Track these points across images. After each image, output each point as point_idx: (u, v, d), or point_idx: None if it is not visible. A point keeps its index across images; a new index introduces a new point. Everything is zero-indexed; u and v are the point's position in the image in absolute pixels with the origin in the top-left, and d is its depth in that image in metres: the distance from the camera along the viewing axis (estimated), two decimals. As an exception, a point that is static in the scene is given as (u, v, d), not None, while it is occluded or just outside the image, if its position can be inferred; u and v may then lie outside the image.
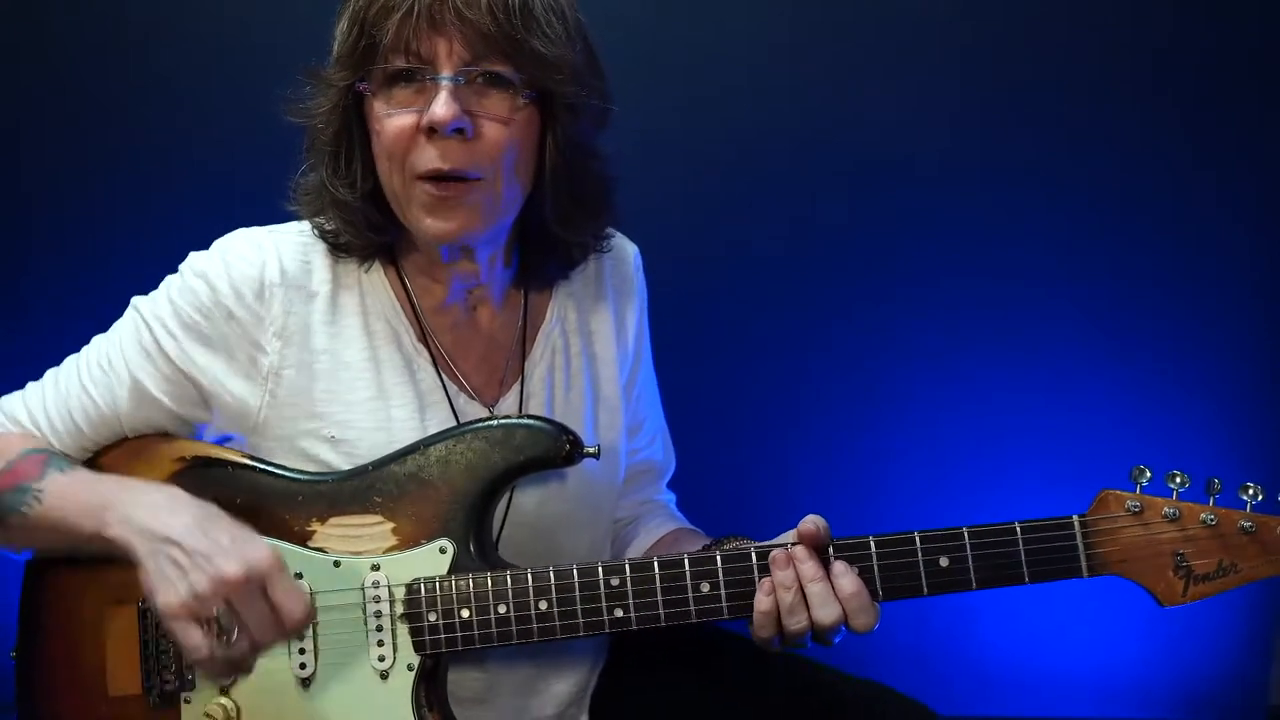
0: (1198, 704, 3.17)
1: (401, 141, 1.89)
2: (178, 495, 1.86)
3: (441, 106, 1.84)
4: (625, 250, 2.29)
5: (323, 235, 2.03)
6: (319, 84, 1.98)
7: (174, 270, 2.03)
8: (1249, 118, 3.00)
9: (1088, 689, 3.18)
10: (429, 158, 1.88)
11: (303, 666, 1.91)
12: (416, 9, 1.84)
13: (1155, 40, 2.98)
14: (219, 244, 2.01)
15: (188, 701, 1.95)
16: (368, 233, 2.00)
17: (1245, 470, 2.93)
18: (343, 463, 1.99)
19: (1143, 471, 1.81)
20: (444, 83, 1.85)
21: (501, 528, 2.05)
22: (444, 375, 2.06)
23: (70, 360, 2.08)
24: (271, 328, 1.97)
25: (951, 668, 3.16)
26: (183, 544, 1.76)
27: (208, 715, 1.93)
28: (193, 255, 2.01)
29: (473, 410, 2.07)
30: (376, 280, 2.06)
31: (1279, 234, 3.05)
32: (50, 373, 2.09)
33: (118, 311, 2.06)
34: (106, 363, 2.01)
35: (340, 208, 1.99)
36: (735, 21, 3.01)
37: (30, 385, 2.09)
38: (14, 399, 2.07)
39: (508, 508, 2.06)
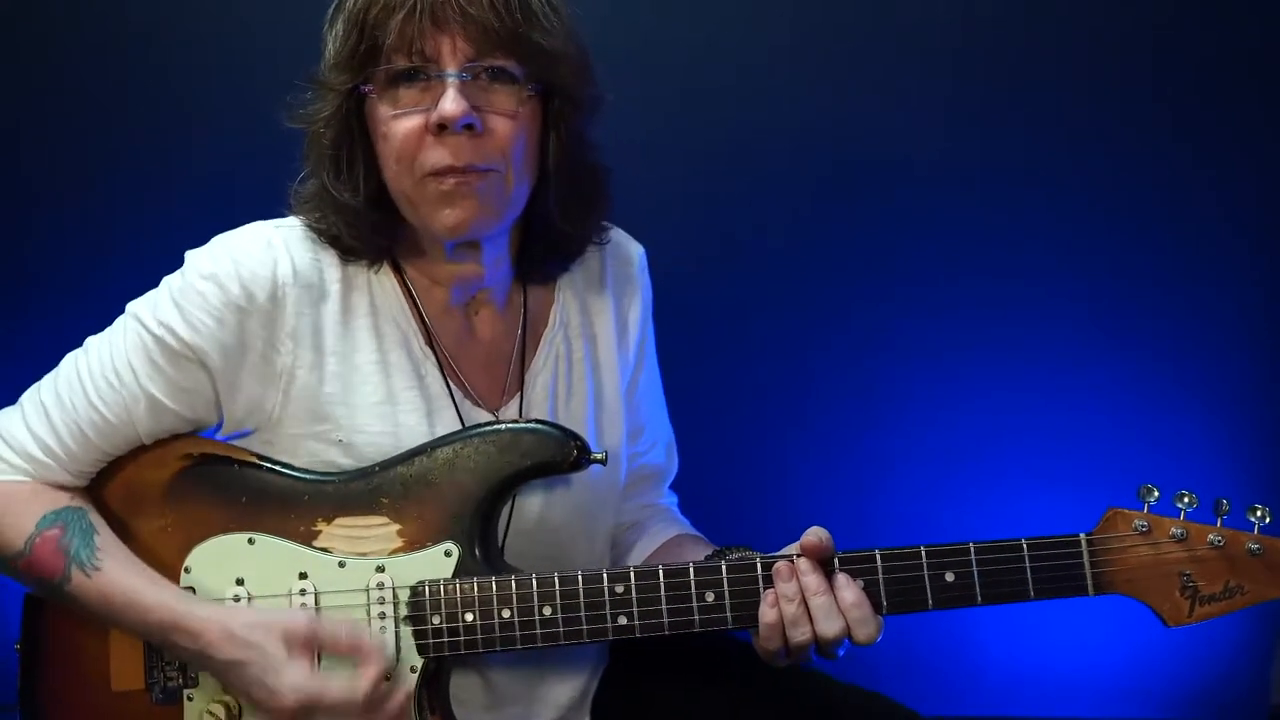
0: (1198, 704, 3.17)
1: (410, 142, 1.88)
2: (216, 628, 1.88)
3: (450, 103, 1.83)
4: (630, 251, 2.28)
5: (327, 239, 2.01)
6: (318, 89, 1.96)
7: (173, 269, 1.99)
8: (1250, 117, 3.00)
9: (1087, 689, 3.18)
10: (439, 156, 1.87)
11: (306, 666, 1.93)
12: (419, 7, 1.83)
13: (1155, 40, 2.97)
14: (224, 243, 1.97)
15: (190, 699, 1.95)
16: (371, 236, 1.99)
17: (1247, 472, 2.95)
18: (350, 466, 1.99)
19: (1150, 490, 1.82)
20: (450, 79, 1.85)
21: (506, 533, 2.05)
22: (450, 381, 2.05)
23: (68, 368, 2.01)
24: (285, 328, 1.94)
25: (948, 667, 3.17)
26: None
27: (210, 713, 1.93)
28: (194, 256, 1.96)
29: (479, 416, 2.06)
30: (385, 282, 2.04)
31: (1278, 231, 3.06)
32: (48, 383, 2.02)
33: (118, 311, 2.02)
34: (115, 377, 1.96)
35: (344, 212, 1.97)
36: (735, 21, 2.99)
37: (26, 402, 2.02)
38: (14, 422, 2.00)
39: (510, 513, 2.05)
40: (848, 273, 3.09)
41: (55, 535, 1.93)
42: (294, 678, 1.82)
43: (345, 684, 1.84)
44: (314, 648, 1.86)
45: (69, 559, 1.91)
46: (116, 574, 1.92)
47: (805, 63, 3.00)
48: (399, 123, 1.88)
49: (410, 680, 1.92)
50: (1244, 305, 3.05)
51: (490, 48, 1.86)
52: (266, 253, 1.95)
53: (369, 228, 1.98)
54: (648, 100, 2.81)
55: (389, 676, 1.90)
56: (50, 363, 2.05)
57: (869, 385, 3.11)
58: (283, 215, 2.04)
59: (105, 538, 1.95)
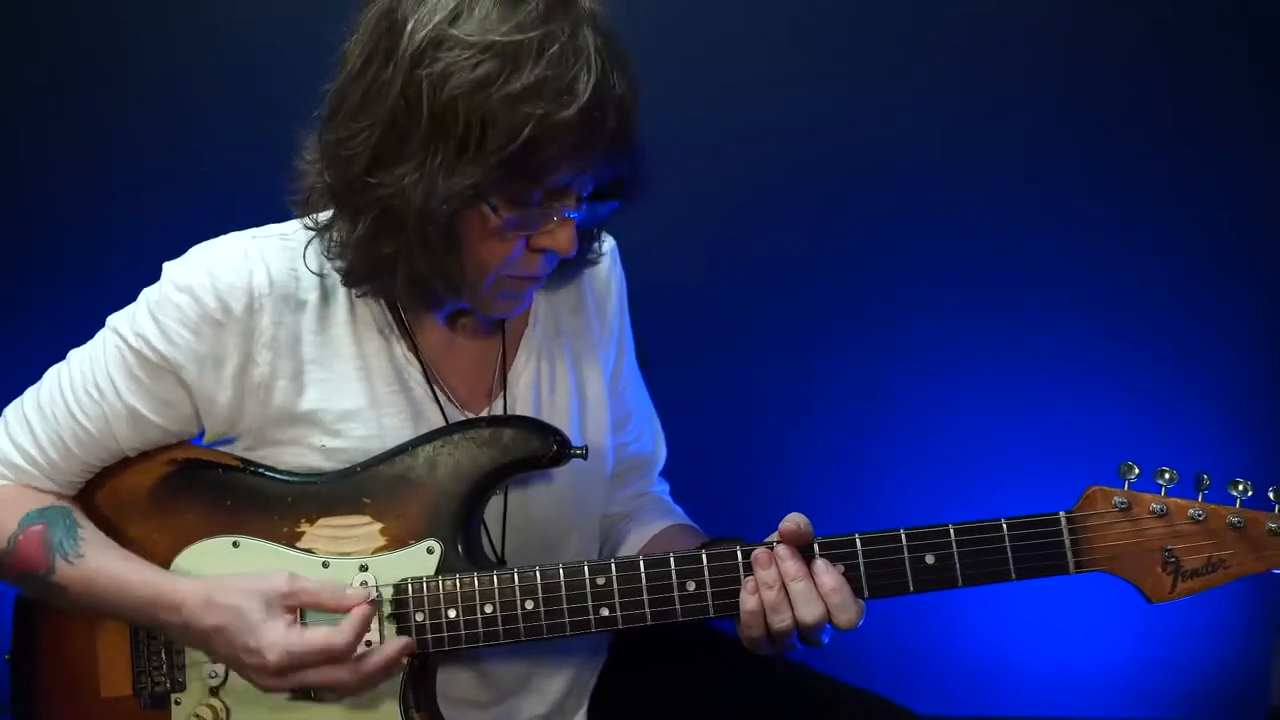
0: (1197, 703, 3.16)
1: (506, 254, 1.84)
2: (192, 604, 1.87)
3: (569, 244, 1.82)
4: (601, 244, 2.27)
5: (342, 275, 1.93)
6: (419, 167, 1.75)
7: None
8: (1250, 115, 2.99)
9: (1084, 688, 3.18)
10: (527, 268, 1.86)
11: (290, 667, 1.91)
12: (597, 146, 1.76)
13: (1155, 39, 2.98)
14: (200, 255, 1.94)
15: (178, 703, 1.96)
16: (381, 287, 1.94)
17: (1244, 469, 2.94)
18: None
19: (1131, 468, 1.80)
20: (575, 217, 1.82)
21: (504, 531, 2.05)
22: (434, 386, 2.02)
23: (50, 381, 2.01)
24: (261, 339, 1.91)
25: (944, 667, 3.16)
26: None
27: (197, 716, 1.93)
28: (170, 268, 1.94)
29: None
30: None
31: (1277, 232, 3.04)
32: (30, 397, 2.02)
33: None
34: (96, 391, 1.94)
35: (388, 287, 1.91)
36: (735, 21, 3.00)
37: (9, 416, 2.02)
38: None
39: (505, 510, 2.05)
40: (849, 274, 3.10)
41: (39, 530, 1.93)
42: (272, 634, 1.80)
43: (325, 632, 1.82)
44: (295, 607, 1.85)
45: (52, 551, 1.91)
46: (99, 559, 1.92)
47: (810, 63, 3.02)
48: (506, 243, 1.83)
49: (395, 677, 1.91)
50: (1243, 304, 3.06)
51: (605, 180, 1.85)
52: (242, 264, 1.91)
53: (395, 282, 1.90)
54: (649, 100, 2.80)
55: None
56: (47, 365, 2.05)
57: (872, 385, 3.12)
58: (282, 216, 2.01)
59: (88, 530, 1.95)
